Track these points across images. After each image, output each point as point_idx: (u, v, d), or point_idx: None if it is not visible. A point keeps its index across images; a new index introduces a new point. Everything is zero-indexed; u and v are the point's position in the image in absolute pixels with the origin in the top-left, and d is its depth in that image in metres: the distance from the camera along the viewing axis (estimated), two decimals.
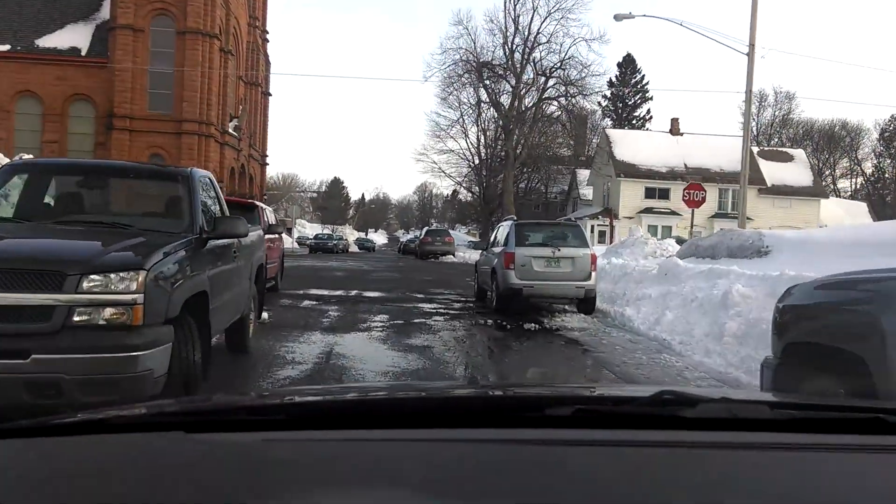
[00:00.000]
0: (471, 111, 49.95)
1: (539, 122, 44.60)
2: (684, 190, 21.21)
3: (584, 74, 42.79)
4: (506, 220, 13.31)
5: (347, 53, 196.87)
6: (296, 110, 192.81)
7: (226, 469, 0.99)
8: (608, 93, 68.29)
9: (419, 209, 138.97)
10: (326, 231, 63.07)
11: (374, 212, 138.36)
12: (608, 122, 69.07)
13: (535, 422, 1.18)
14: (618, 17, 21.26)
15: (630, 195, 43.54)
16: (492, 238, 13.95)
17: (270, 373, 6.46)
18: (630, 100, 71.21)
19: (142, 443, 1.07)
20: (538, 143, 46.16)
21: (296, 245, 58.00)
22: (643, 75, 70.53)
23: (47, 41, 39.78)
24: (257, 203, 11.84)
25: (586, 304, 11.81)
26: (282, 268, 14.45)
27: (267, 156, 58.94)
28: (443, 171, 53.09)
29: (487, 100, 45.96)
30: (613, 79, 69.13)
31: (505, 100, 44.35)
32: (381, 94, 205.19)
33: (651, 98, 70.99)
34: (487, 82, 43.81)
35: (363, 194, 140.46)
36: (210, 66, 40.64)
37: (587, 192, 52.58)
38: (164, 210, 5.42)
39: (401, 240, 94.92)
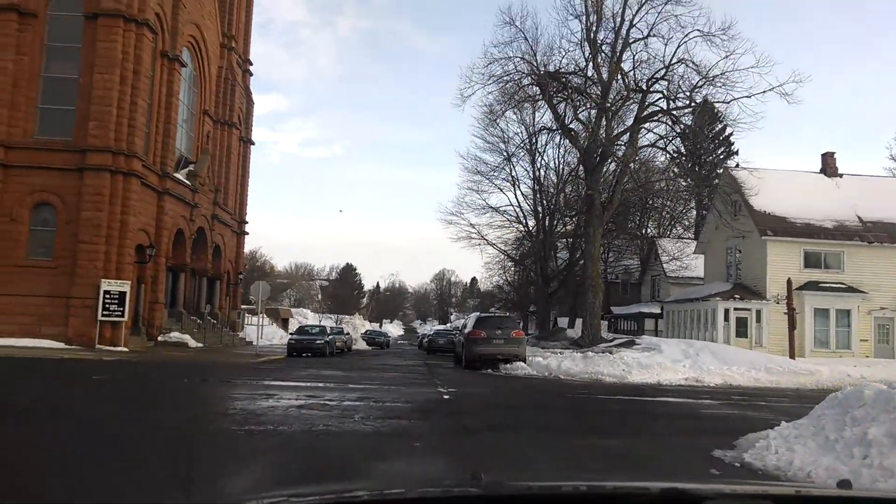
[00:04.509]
0: (522, 149, 35.37)
1: (638, 153, 29.79)
2: None
3: (700, 84, 28.30)
4: None
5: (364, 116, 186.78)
6: (309, 190, 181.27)
7: None
8: (681, 147, 53.94)
9: (436, 298, 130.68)
10: (324, 323, 47.14)
11: (389, 301, 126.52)
12: (681, 182, 54.54)
13: None
14: None
15: (783, 264, 28.23)
16: None
17: None
18: (710, 156, 56.77)
19: None
20: (641, 185, 31.14)
21: (282, 340, 41.85)
22: (724, 125, 56.09)
23: None
24: None
25: None
26: None
27: (246, 223, 44.28)
28: (484, 239, 38.17)
29: (554, 126, 31.24)
30: (685, 129, 54.92)
31: (584, 119, 29.57)
32: (406, 168, 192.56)
33: (737, 152, 56.67)
34: (557, 100, 29.16)
35: (378, 282, 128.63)
36: (137, 68, 26.43)
37: (694, 263, 37.26)
38: None
39: (420, 332, 78.48)
